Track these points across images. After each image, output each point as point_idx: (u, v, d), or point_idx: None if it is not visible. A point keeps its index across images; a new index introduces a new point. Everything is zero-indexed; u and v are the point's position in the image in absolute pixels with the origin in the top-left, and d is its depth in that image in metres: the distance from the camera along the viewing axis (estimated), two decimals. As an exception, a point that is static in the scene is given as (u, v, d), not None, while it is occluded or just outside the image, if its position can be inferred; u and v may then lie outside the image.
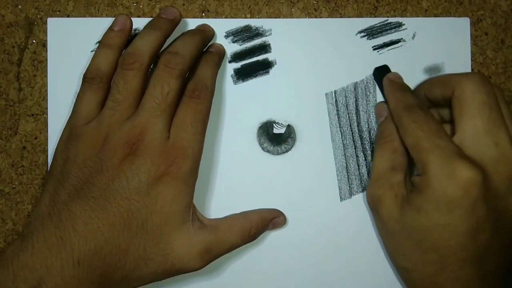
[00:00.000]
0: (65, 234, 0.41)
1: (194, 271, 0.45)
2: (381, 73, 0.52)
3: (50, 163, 0.46)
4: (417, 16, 0.53)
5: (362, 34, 0.53)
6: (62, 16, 0.52)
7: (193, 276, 0.50)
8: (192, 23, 0.52)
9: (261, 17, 0.53)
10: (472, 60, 0.53)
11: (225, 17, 0.53)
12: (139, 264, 0.43)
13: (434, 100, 0.48)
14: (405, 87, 0.50)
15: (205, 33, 0.51)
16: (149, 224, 0.43)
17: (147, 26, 0.49)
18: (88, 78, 0.47)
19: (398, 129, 0.47)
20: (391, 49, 0.53)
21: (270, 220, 0.51)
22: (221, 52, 0.52)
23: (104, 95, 0.47)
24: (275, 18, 0.53)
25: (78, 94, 0.48)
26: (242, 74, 0.53)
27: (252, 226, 0.49)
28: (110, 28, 0.49)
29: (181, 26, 0.51)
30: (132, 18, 0.51)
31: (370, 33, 0.53)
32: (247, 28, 0.53)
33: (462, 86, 0.45)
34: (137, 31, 0.51)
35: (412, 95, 0.48)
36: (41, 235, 0.41)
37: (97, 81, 0.47)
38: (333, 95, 0.52)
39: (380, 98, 0.53)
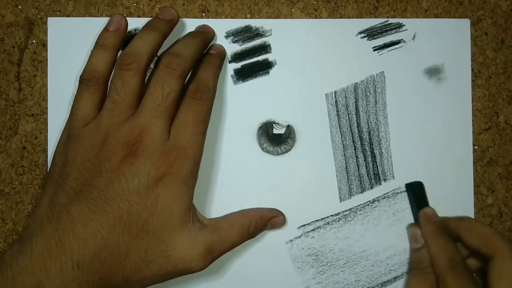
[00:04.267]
0: (64, 237, 0.41)
1: (197, 271, 0.45)
2: (414, 191, 0.53)
3: (49, 166, 0.46)
4: (417, 16, 0.53)
5: (363, 34, 0.53)
6: (62, 16, 0.52)
7: (192, 277, 0.50)
8: (192, 23, 0.52)
9: (261, 17, 0.53)
10: (472, 60, 0.53)
11: (225, 17, 0.53)
12: (140, 266, 0.43)
13: (467, 244, 0.49)
14: (444, 230, 0.50)
15: (206, 35, 0.51)
16: (150, 226, 0.43)
17: (145, 27, 0.49)
18: (84, 80, 0.47)
19: (439, 280, 0.48)
20: (391, 49, 0.53)
21: (269, 218, 0.51)
22: (223, 54, 0.52)
23: (101, 96, 0.47)
24: (275, 18, 0.53)
25: (75, 96, 0.47)
26: (242, 75, 0.53)
27: (251, 223, 0.49)
28: (105, 29, 0.49)
29: (181, 26, 0.51)
30: (132, 18, 0.51)
31: (371, 33, 0.53)
32: (247, 29, 0.52)
33: (504, 259, 0.46)
34: (137, 31, 0.51)
35: (454, 246, 0.49)
36: (40, 238, 0.41)
37: (94, 82, 0.47)
38: (333, 95, 0.53)
39: (381, 100, 0.53)
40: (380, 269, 0.52)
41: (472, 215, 0.53)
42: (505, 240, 0.47)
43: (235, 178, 0.52)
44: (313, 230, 0.52)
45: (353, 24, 0.53)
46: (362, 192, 0.53)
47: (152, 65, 0.51)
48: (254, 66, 0.53)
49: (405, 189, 0.53)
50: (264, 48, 0.53)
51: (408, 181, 0.53)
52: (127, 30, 0.50)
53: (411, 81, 0.53)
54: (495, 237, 0.47)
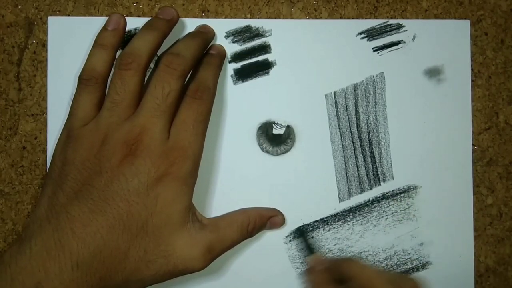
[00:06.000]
0: (63, 237, 0.41)
1: (197, 271, 0.45)
2: (301, 237, 0.53)
3: (49, 166, 0.46)
4: (417, 16, 0.53)
5: (362, 35, 0.53)
6: (62, 16, 0.52)
7: (192, 277, 0.51)
8: (192, 23, 0.52)
9: (261, 17, 0.53)
10: (472, 60, 0.53)
11: (225, 17, 0.53)
12: (140, 266, 0.43)
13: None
14: (329, 278, 0.50)
15: (206, 35, 0.51)
16: (149, 226, 0.43)
17: (145, 27, 0.49)
18: (83, 80, 0.47)
19: None
20: (391, 50, 0.53)
21: (268, 218, 0.51)
22: (223, 54, 0.52)
23: (101, 96, 0.47)
24: (275, 18, 0.53)
25: (74, 96, 0.47)
26: (242, 75, 0.53)
27: (250, 221, 0.49)
28: (104, 28, 0.49)
29: (181, 26, 0.51)
30: (132, 18, 0.51)
31: (370, 34, 0.53)
32: (247, 29, 0.52)
33: None
34: (137, 31, 0.51)
35: None
36: (39, 238, 0.41)
37: (93, 82, 0.47)
38: (333, 96, 0.53)
39: (380, 101, 0.53)
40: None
41: (471, 215, 0.53)
42: (387, 283, 0.46)
43: (235, 178, 0.52)
44: (312, 230, 0.52)
45: (353, 24, 0.53)
46: (361, 192, 0.53)
47: (152, 65, 0.51)
48: (254, 66, 0.53)
49: (403, 190, 0.53)
50: (264, 48, 0.53)
51: (407, 183, 0.53)
52: (127, 30, 0.50)
53: (410, 82, 0.53)
54: (376, 279, 0.46)
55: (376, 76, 0.53)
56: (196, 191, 0.46)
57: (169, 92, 0.45)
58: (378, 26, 0.53)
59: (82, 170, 0.43)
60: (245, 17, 0.53)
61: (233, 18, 0.53)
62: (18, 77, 0.52)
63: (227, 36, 0.53)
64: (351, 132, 0.52)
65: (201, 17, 0.53)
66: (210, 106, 0.48)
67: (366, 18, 0.53)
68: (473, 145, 0.53)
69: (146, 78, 0.48)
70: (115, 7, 0.52)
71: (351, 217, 0.53)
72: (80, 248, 0.41)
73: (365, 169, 0.53)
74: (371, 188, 0.53)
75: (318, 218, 0.52)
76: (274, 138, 0.52)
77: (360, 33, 0.53)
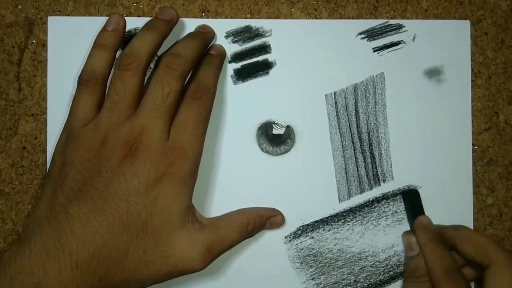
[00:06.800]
0: (63, 237, 0.41)
1: (197, 271, 0.45)
2: (409, 199, 0.53)
3: (48, 166, 0.46)
4: (417, 16, 0.53)
5: (363, 35, 0.53)
6: (62, 16, 0.52)
7: (192, 277, 0.51)
8: (192, 23, 0.52)
9: (261, 17, 0.53)
10: (472, 60, 0.53)
11: (225, 17, 0.53)
12: (140, 266, 0.43)
13: (463, 253, 0.49)
14: (440, 239, 0.50)
15: (206, 35, 0.51)
16: (149, 226, 0.43)
17: (144, 27, 0.49)
18: (83, 80, 0.47)
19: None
20: (391, 51, 0.53)
21: (268, 218, 0.51)
22: (223, 55, 0.52)
23: (100, 97, 0.47)
24: (275, 18, 0.53)
25: (74, 96, 0.47)
26: (242, 75, 0.53)
27: (250, 221, 0.49)
28: (104, 29, 0.49)
29: (181, 26, 0.51)
30: (132, 18, 0.51)
31: (371, 34, 0.53)
32: (247, 29, 0.52)
33: (500, 268, 0.46)
34: (137, 31, 0.51)
35: (450, 255, 0.49)
36: (38, 238, 0.41)
37: (93, 83, 0.47)
38: (333, 96, 0.52)
39: (380, 101, 0.53)
40: (378, 270, 0.52)
41: (471, 215, 0.53)
42: (500, 249, 0.47)
43: (235, 178, 0.52)
44: (312, 230, 0.52)
45: (353, 24, 0.53)
46: (361, 193, 0.53)
47: (152, 65, 0.51)
48: (254, 66, 0.53)
49: (403, 190, 0.53)
50: (264, 49, 0.53)
51: (407, 183, 0.53)
52: (127, 30, 0.50)
53: (410, 82, 0.53)
54: (490, 246, 0.47)
55: (376, 76, 0.53)
56: (196, 191, 0.46)
57: (169, 92, 0.45)
58: (378, 26, 0.53)
59: (82, 170, 0.43)
60: (245, 17, 0.53)
61: (233, 18, 0.53)
62: (18, 77, 0.52)
63: (227, 36, 0.53)
64: (351, 132, 0.52)
65: (201, 17, 0.53)
66: (210, 107, 0.48)
67: (366, 18, 0.53)
68: (473, 145, 0.53)
69: (146, 79, 0.48)
70: (115, 7, 0.52)
71: (351, 217, 0.53)
72: (80, 248, 0.41)
73: (365, 169, 0.53)
74: (371, 189, 0.53)
75: (318, 218, 0.52)
76: (274, 138, 0.52)
77: (360, 33, 0.53)
